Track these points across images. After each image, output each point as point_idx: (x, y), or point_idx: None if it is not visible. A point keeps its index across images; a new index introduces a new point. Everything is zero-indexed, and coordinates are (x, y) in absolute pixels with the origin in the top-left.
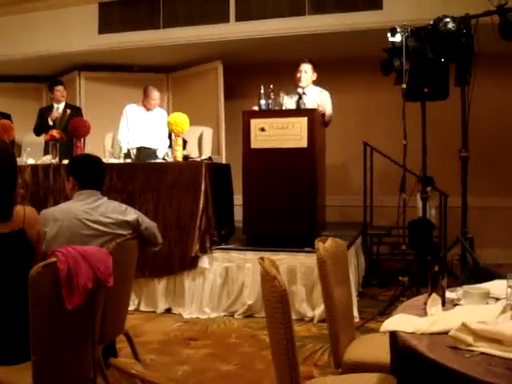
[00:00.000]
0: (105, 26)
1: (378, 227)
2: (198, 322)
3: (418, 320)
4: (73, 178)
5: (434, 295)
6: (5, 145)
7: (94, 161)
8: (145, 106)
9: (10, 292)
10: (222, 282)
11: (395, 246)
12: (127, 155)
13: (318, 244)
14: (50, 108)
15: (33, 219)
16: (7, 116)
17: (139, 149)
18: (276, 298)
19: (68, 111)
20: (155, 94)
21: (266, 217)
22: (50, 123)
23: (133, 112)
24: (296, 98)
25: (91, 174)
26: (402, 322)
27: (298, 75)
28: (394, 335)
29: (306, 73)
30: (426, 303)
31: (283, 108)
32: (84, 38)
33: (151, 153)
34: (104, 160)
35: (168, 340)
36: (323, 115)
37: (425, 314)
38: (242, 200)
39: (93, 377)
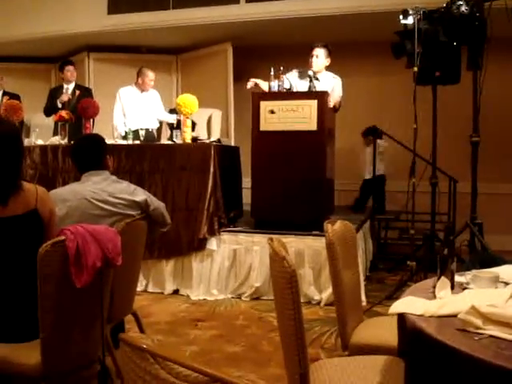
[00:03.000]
0: (114, 7)
1: (387, 211)
2: (206, 304)
3: (426, 302)
4: (73, 164)
5: (443, 278)
6: (11, 125)
7: (86, 144)
8: (140, 87)
9: (22, 271)
10: (230, 264)
11: (403, 231)
12: (135, 136)
13: (327, 226)
14: (59, 88)
15: (45, 198)
16: (16, 96)
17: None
18: (285, 278)
19: (78, 92)
20: (150, 75)
21: (275, 200)
22: (59, 106)
23: (127, 95)
24: (308, 81)
25: (84, 158)
26: (410, 304)
27: (310, 59)
28: (402, 317)
29: (318, 57)
30: (434, 286)
31: (293, 89)
32: (93, 19)
33: (148, 134)
34: (112, 141)
35: (175, 321)
36: (334, 107)
37: (434, 297)
38: (251, 183)
39: (101, 356)
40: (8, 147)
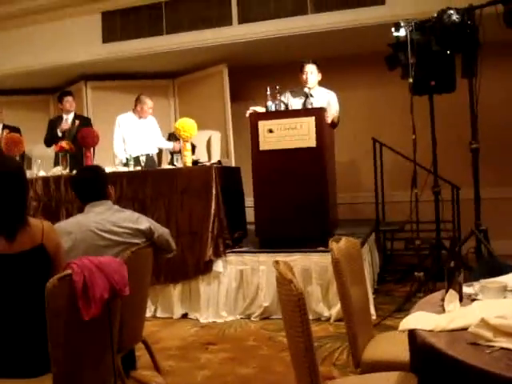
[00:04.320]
0: (109, 35)
1: (391, 223)
2: (215, 326)
3: (436, 317)
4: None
5: (451, 291)
6: (14, 161)
7: (87, 175)
8: (138, 114)
9: (31, 306)
10: (237, 285)
11: (409, 242)
12: (136, 163)
13: (332, 244)
14: (59, 119)
15: (51, 232)
16: (16, 129)
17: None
18: (293, 301)
19: (77, 122)
20: (149, 103)
21: (278, 218)
22: (60, 134)
23: (126, 122)
24: (303, 99)
25: (85, 190)
26: (420, 319)
27: (304, 77)
28: (412, 333)
29: (312, 73)
30: (443, 300)
31: (289, 108)
32: (88, 48)
33: (149, 160)
34: (114, 168)
35: (186, 345)
36: (332, 123)
37: (442, 310)
38: (254, 202)
39: None
40: (13, 184)
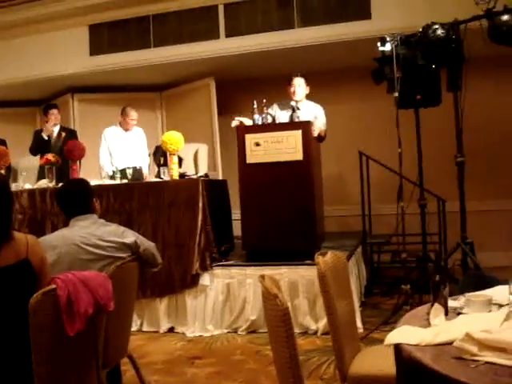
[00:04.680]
0: (96, 48)
1: (378, 235)
2: (202, 340)
3: (421, 331)
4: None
5: (436, 305)
6: (1, 176)
7: (71, 190)
8: (123, 127)
9: (15, 321)
10: (224, 299)
11: (395, 254)
12: (123, 175)
13: (318, 258)
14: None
15: (36, 246)
16: (2, 142)
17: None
18: (278, 316)
19: (63, 134)
20: (133, 115)
21: (265, 231)
22: (45, 138)
23: (112, 135)
24: (290, 112)
25: (70, 204)
26: (405, 333)
27: (292, 89)
28: (398, 348)
29: (300, 86)
30: (428, 313)
31: (276, 121)
32: (76, 61)
33: (135, 172)
34: (100, 181)
35: (172, 360)
36: (319, 137)
37: (428, 324)
38: (241, 215)
39: None
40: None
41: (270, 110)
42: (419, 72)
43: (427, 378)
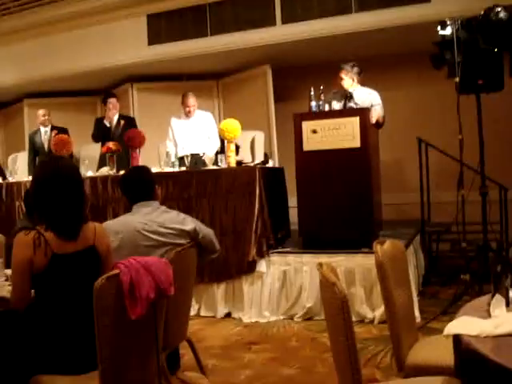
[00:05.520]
0: (154, 37)
1: (437, 224)
2: (258, 326)
3: (481, 322)
4: (124, 196)
5: (497, 296)
6: (70, 162)
7: (137, 176)
8: (185, 114)
9: (81, 305)
10: (280, 286)
11: (455, 243)
12: (181, 163)
13: (377, 246)
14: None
15: (102, 234)
16: (65, 130)
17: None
18: (336, 304)
19: (122, 122)
20: (190, 101)
21: (322, 218)
22: (107, 125)
23: (176, 122)
24: (343, 100)
25: (134, 190)
26: (465, 324)
27: (339, 80)
28: (457, 339)
29: (343, 79)
30: (489, 304)
31: (331, 108)
32: (134, 51)
33: (198, 159)
34: (159, 169)
35: (229, 345)
36: (377, 123)
37: (488, 315)
38: (297, 202)
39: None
40: (75, 183)
41: (328, 97)
42: (481, 56)
43: (487, 370)
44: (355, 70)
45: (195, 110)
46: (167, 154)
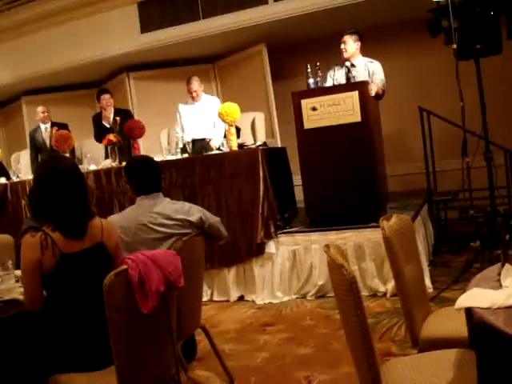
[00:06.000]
0: (146, 25)
1: (443, 192)
2: (272, 307)
3: (492, 293)
4: (130, 187)
5: (507, 265)
6: (69, 160)
7: (144, 166)
8: (190, 98)
9: (92, 302)
10: (291, 265)
11: (463, 211)
12: (184, 150)
13: (383, 223)
14: (100, 114)
15: (110, 230)
16: (64, 126)
17: (192, 142)
18: (345, 286)
19: (118, 119)
20: (193, 85)
21: (328, 195)
22: (107, 126)
23: (183, 108)
24: (345, 70)
25: (142, 181)
26: (476, 297)
27: (340, 48)
28: (469, 312)
29: (346, 44)
30: (499, 274)
31: (334, 82)
32: (127, 40)
33: (204, 144)
34: (161, 157)
35: (244, 328)
36: (376, 95)
37: (500, 286)
38: (302, 181)
39: (176, 375)
40: (75, 180)
41: (331, 72)
42: (477, 20)
43: (500, 341)
44: (357, 36)
45: (201, 93)
46: (176, 140)
